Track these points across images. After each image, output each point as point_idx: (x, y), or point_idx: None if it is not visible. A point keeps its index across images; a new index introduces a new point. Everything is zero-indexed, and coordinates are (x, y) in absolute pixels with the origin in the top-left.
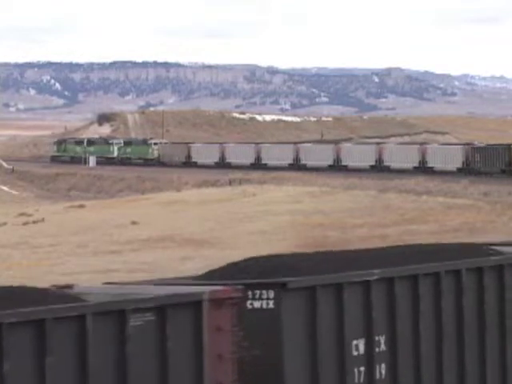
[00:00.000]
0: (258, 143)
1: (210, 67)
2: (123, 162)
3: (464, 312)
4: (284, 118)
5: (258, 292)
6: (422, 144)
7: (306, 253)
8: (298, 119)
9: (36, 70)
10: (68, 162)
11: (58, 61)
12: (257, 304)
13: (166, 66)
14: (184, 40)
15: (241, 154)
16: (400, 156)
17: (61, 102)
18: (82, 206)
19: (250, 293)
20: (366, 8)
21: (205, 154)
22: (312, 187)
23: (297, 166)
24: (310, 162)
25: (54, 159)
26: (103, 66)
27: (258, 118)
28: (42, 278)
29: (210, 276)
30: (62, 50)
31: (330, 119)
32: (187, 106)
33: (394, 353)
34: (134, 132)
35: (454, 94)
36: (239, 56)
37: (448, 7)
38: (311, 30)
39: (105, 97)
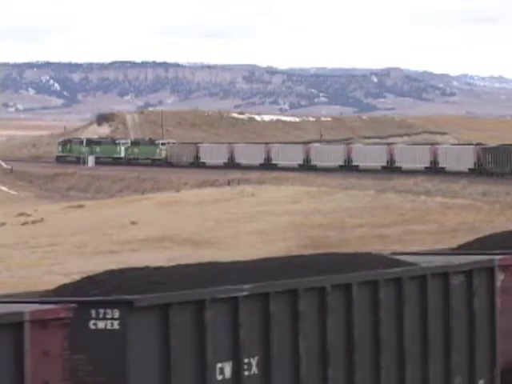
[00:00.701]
0: (267, 143)
1: (208, 67)
2: (130, 162)
3: (354, 329)
4: (283, 118)
5: (101, 311)
6: (432, 144)
7: (173, 266)
8: (296, 119)
9: (35, 70)
10: (72, 162)
11: (57, 61)
12: (101, 324)
13: (165, 66)
14: (183, 40)
15: (250, 155)
16: (411, 157)
17: (60, 102)
18: (81, 206)
19: (93, 312)
20: (365, 8)
21: (213, 154)
22: (311, 187)
23: (307, 166)
24: (320, 163)
25: (59, 159)
26: (102, 66)
27: (257, 118)
28: (41, 277)
29: (61, 291)
30: (61, 50)
31: (329, 119)
32: (186, 106)
33: (267, 376)
34: (132, 132)
35: (452, 94)
36: (238, 56)
37: (447, 7)
38: (310, 30)
39: (104, 97)
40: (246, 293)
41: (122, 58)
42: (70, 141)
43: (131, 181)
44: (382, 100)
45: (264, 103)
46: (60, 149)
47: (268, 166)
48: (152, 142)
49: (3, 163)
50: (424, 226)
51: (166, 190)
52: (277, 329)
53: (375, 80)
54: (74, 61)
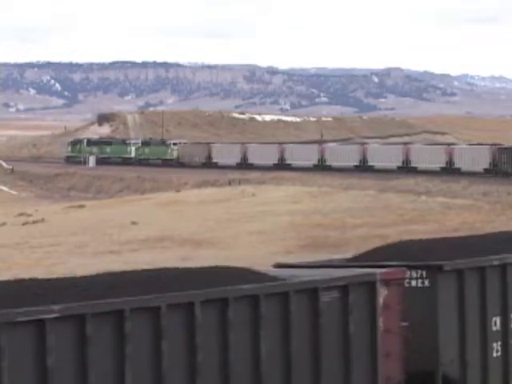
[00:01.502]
0: (281, 143)
1: (209, 67)
2: (141, 162)
3: (198, 353)
4: (284, 118)
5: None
6: (448, 145)
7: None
8: (297, 119)
9: (36, 70)
10: (79, 163)
11: (58, 61)
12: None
13: (166, 66)
14: (183, 40)
15: (263, 155)
16: (427, 157)
17: (60, 102)
18: (81, 206)
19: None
20: (366, 8)
21: (226, 154)
22: (311, 187)
23: (321, 166)
24: (335, 163)
25: (69, 160)
26: (103, 66)
27: (258, 118)
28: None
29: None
30: (62, 50)
31: (329, 119)
32: (187, 106)
33: None
34: (133, 132)
35: (453, 94)
36: (239, 56)
37: (448, 7)
38: (311, 30)
39: (104, 97)
40: (56, 315)
41: (122, 58)
42: (79, 141)
43: (131, 181)
44: (383, 100)
45: (265, 103)
46: (70, 149)
47: (281, 166)
48: (163, 142)
49: (4, 163)
50: (425, 226)
51: (166, 190)
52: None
53: (376, 80)
54: (74, 61)
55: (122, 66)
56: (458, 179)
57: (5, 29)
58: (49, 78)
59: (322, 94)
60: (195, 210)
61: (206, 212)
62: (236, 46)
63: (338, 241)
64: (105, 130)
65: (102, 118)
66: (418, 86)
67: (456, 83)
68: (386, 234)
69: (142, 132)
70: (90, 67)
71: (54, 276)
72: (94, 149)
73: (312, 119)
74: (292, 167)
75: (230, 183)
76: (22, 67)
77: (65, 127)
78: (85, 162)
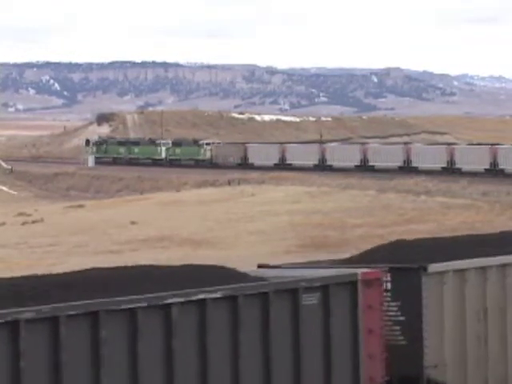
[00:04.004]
0: (321, 143)
1: (208, 67)
2: (172, 163)
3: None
4: (283, 118)
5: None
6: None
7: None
8: (297, 119)
9: (35, 70)
10: (108, 163)
11: (57, 61)
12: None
13: (165, 65)
14: (183, 40)
15: (303, 155)
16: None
17: (60, 102)
18: (81, 206)
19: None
20: (366, 8)
21: (263, 154)
22: (311, 187)
23: (322, 166)
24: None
25: (95, 161)
26: (102, 66)
27: (257, 118)
28: None
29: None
30: (61, 50)
31: (329, 119)
32: (186, 106)
33: None
34: (133, 132)
35: (453, 94)
36: (238, 56)
37: (447, 7)
38: (310, 29)
39: (104, 97)
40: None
41: (121, 57)
42: (105, 141)
43: (131, 181)
44: (382, 100)
45: (264, 103)
46: (95, 150)
47: (322, 167)
48: (195, 142)
49: (3, 163)
50: (424, 225)
51: (165, 189)
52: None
53: (375, 80)
54: (73, 61)
55: (122, 66)
56: (457, 179)
57: (4, 29)
58: (48, 77)
59: (321, 94)
60: (195, 209)
61: (206, 212)
62: (236, 45)
63: (338, 241)
64: (104, 130)
65: (102, 118)
66: (418, 85)
67: (455, 83)
68: (385, 234)
69: (141, 132)
70: (90, 67)
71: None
72: (122, 149)
73: (311, 119)
74: (333, 168)
75: (229, 183)
76: (22, 67)
77: (64, 127)
78: (115, 163)
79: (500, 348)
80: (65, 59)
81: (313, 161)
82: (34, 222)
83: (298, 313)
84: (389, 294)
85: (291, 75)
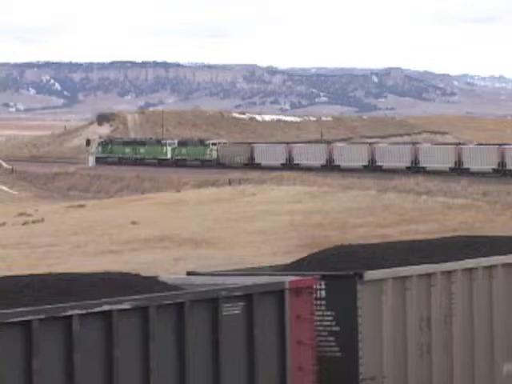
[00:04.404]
0: (329, 143)
1: (209, 67)
2: (178, 163)
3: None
4: (284, 117)
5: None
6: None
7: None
8: (297, 119)
9: (35, 69)
10: (114, 163)
11: (58, 61)
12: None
13: (166, 65)
14: (183, 40)
15: (310, 155)
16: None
17: (60, 101)
18: (81, 206)
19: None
20: (366, 8)
21: (270, 154)
22: (311, 187)
23: (330, 166)
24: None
25: (99, 161)
26: (102, 66)
27: (258, 118)
28: None
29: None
30: (62, 50)
31: (329, 119)
32: (186, 106)
33: None
34: (133, 132)
35: (453, 94)
36: (239, 56)
37: (447, 7)
38: (311, 29)
39: (104, 97)
40: None
41: (122, 57)
42: (111, 141)
43: (131, 180)
44: (383, 100)
45: (265, 103)
46: (100, 149)
47: (330, 167)
48: (201, 142)
49: (4, 163)
50: (425, 225)
51: (166, 189)
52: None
53: (376, 80)
54: (74, 61)
55: (122, 66)
56: (458, 179)
57: (5, 29)
58: (48, 77)
59: (321, 94)
60: (195, 209)
61: (206, 212)
62: (236, 45)
63: (339, 241)
64: (105, 130)
65: (102, 118)
66: (418, 85)
67: (456, 83)
68: (386, 234)
69: (142, 132)
70: (90, 67)
71: None
72: (127, 149)
73: (312, 119)
74: (341, 168)
75: (230, 183)
76: (22, 67)
77: (65, 127)
78: (120, 163)
79: (445, 358)
80: (65, 59)
81: (320, 161)
82: (34, 221)
83: (218, 324)
84: (323, 302)
85: (291, 75)
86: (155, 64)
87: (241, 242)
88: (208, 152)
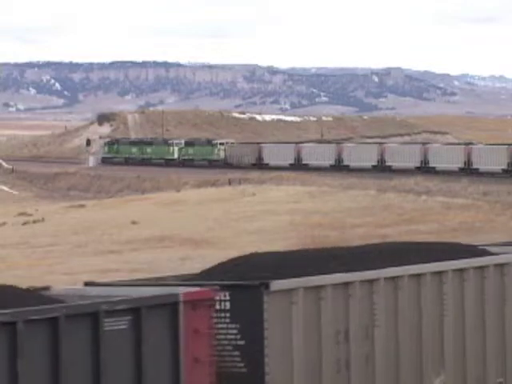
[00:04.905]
0: (338, 143)
1: (209, 67)
2: (185, 163)
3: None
4: (284, 117)
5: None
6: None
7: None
8: (297, 119)
9: (36, 69)
10: (120, 164)
11: (58, 61)
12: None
13: (166, 65)
14: (183, 40)
15: (319, 155)
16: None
17: (60, 101)
18: (82, 206)
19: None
20: (366, 8)
21: (278, 154)
22: (311, 187)
23: (339, 167)
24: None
25: (105, 161)
26: (103, 66)
27: (258, 117)
28: (42, 277)
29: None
30: (62, 50)
31: (330, 119)
32: (187, 106)
33: None
34: (133, 132)
35: (453, 94)
36: (239, 56)
37: (448, 7)
38: (311, 29)
39: (104, 96)
40: None
41: (122, 57)
42: (117, 141)
43: (131, 180)
44: (383, 100)
45: (265, 103)
46: (106, 149)
47: (339, 167)
48: (209, 142)
49: (4, 163)
50: (425, 225)
51: (166, 189)
52: None
53: (376, 80)
54: (74, 60)
55: (122, 66)
56: (459, 179)
57: (5, 29)
58: (49, 77)
59: (322, 94)
60: (195, 209)
61: (206, 212)
62: (236, 45)
63: (338, 240)
64: (105, 130)
65: (102, 118)
66: (419, 85)
67: (456, 83)
68: (386, 234)
69: (142, 132)
70: (90, 67)
71: (54, 275)
72: (134, 149)
73: (312, 119)
74: (350, 168)
75: (230, 183)
76: (22, 67)
77: (65, 127)
78: (127, 163)
79: (365, 373)
80: (65, 59)
81: (329, 161)
82: (34, 221)
83: (98, 340)
84: (228, 314)
85: (292, 75)
86: (155, 64)
87: (241, 241)
88: (216, 152)
